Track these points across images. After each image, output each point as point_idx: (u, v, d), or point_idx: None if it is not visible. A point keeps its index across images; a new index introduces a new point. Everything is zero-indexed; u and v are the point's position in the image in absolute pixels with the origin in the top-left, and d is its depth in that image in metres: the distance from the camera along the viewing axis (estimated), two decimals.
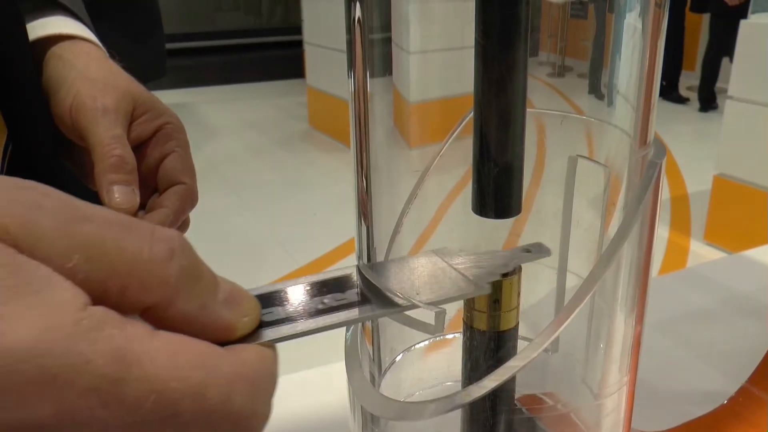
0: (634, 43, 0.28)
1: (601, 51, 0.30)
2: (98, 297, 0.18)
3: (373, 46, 0.29)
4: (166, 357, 0.18)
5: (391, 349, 0.37)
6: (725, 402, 0.50)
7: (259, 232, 3.04)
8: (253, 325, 0.22)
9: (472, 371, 0.30)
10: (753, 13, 2.67)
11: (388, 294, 0.25)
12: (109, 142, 0.44)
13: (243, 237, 2.97)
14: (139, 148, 0.47)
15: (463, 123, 0.33)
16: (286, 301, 0.24)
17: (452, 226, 0.36)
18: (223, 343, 0.20)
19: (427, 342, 0.39)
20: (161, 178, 0.48)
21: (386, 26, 0.29)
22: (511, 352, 0.30)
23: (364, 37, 0.29)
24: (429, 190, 0.35)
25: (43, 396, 0.16)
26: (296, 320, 0.23)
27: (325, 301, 0.24)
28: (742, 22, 2.55)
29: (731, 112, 2.66)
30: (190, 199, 0.47)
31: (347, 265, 0.27)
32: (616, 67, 0.29)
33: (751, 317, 0.65)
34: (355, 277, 0.26)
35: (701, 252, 2.74)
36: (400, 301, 0.25)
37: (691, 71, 5.93)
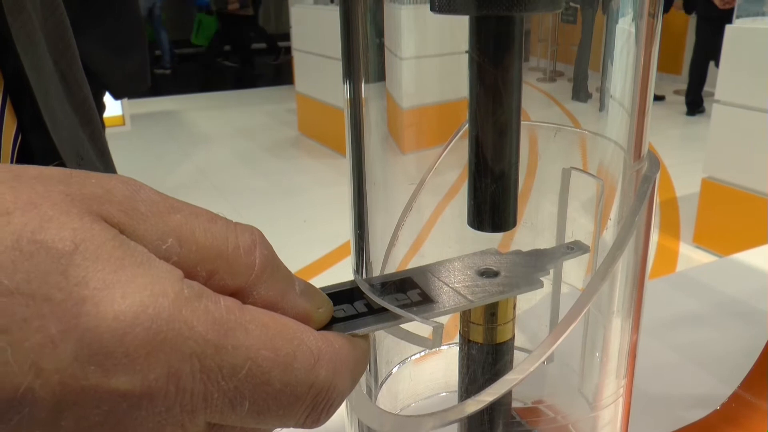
0: (627, 51, 0.29)
1: (590, 56, 0.30)
2: (189, 278, 0.19)
3: (368, 52, 0.29)
4: (258, 328, 0.19)
5: (387, 361, 0.37)
6: (718, 408, 0.50)
7: None
8: (327, 316, 0.23)
9: (470, 384, 0.30)
10: (738, 17, 2.69)
11: (389, 307, 0.25)
12: None
13: None
14: None
15: (457, 135, 0.33)
16: (356, 298, 0.26)
17: (446, 234, 0.36)
18: None
19: (423, 353, 0.39)
20: None
21: (380, 32, 0.29)
22: (508, 365, 0.30)
23: (358, 44, 0.29)
24: (422, 199, 0.36)
25: (152, 359, 0.17)
26: (368, 317, 0.24)
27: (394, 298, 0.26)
28: (728, 27, 2.57)
29: (718, 116, 2.68)
30: None
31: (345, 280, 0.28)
32: (607, 73, 0.30)
33: (742, 321, 0.66)
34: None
35: (691, 255, 2.76)
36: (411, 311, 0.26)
37: (678, 75, 5.97)
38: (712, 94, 2.83)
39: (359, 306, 0.25)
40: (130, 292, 0.17)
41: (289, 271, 0.22)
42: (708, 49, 4.63)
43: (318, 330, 0.22)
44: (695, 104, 5.08)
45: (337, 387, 0.21)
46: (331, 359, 0.21)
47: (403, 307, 0.25)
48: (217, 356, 0.18)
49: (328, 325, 0.23)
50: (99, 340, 0.16)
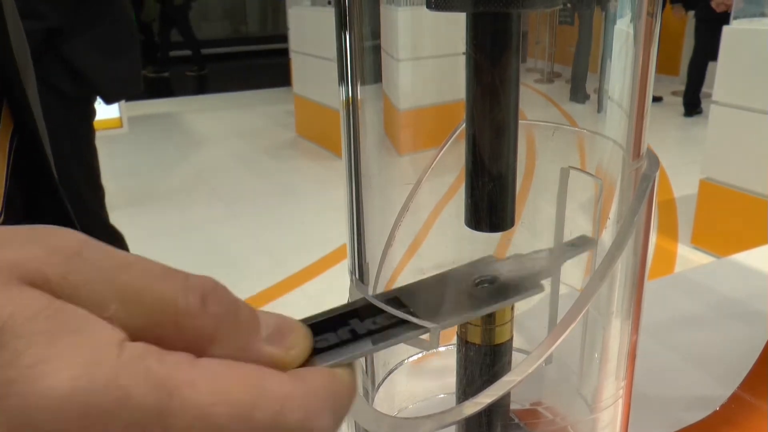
0: (625, 51, 0.28)
1: (588, 57, 0.30)
2: (135, 339, 0.18)
3: (364, 53, 0.29)
4: (208, 382, 0.18)
5: (384, 363, 0.37)
6: (717, 409, 0.50)
7: (246, 240, 3.04)
8: (302, 356, 0.21)
9: (468, 386, 0.30)
10: (735, 19, 2.70)
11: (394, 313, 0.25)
12: None
13: (230, 246, 2.96)
14: None
15: (454, 135, 0.33)
16: (340, 326, 0.24)
17: (444, 235, 0.36)
18: None
19: (420, 355, 0.39)
20: None
21: (376, 34, 0.29)
22: (506, 366, 0.30)
23: (354, 45, 0.29)
24: (419, 199, 0.35)
25: None
26: (353, 345, 0.23)
27: (376, 322, 0.25)
28: (725, 28, 2.57)
29: (716, 117, 2.68)
30: None
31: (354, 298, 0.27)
32: (606, 73, 0.29)
33: (740, 321, 0.66)
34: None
35: (689, 256, 2.76)
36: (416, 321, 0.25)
37: (675, 76, 5.97)
38: (709, 95, 2.83)
39: (343, 333, 0.24)
40: (63, 367, 0.16)
41: (253, 318, 0.20)
42: (707, 51, 4.65)
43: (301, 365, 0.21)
44: (693, 105, 5.09)
45: (314, 428, 0.19)
46: (302, 401, 0.19)
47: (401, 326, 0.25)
48: (162, 420, 0.17)
49: (313, 357, 0.22)
50: (30, 421, 0.16)
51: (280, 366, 0.20)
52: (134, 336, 0.18)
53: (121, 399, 0.16)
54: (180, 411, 0.17)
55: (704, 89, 4.95)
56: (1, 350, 0.16)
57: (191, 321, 0.19)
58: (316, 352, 0.22)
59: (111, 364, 0.17)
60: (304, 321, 0.23)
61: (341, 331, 0.24)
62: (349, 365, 0.22)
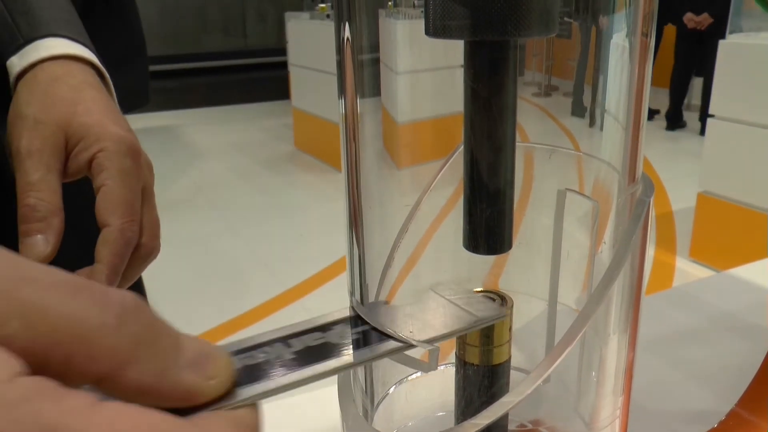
0: (620, 68, 0.29)
1: (584, 72, 0.30)
2: (40, 367, 0.16)
3: (363, 66, 0.29)
4: None
5: (383, 381, 0.37)
6: (716, 426, 0.50)
7: (244, 254, 3.03)
8: (222, 386, 0.20)
9: (466, 406, 0.30)
10: (731, 33, 2.72)
11: (387, 332, 0.25)
12: (22, 189, 0.38)
13: (229, 259, 2.96)
14: None
15: (452, 158, 0.33)
16: (268, 353, 0.23)
17: (442, 254, 0.36)
18: (195, 408, 0.19)
19: (418, 374, 0.39)
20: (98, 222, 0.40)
21: (375, 46, 0.29)
22: (504, 387, 0.30)
23: (354, 58, 0.29)
24: (418, 218, 0.36)
25: None
26: (279, 374, 0.22)
27: (312, 348, 0.24)
28: (722, 42, 2.59)
29: (713, 131, 2.70)
30: (122, 243, 0.38)
31: (339, 308, 0.27)
32: (600, 90, 0.30)
33: (740, 335, 0.66)
34: (345, 320, 0.26)
35: (687, 269, 2.76)
36: (393, 344, 0.25)
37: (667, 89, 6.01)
38: (697, 107, 2.85)
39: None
40: None
41: (175, 341, 0.19)
42: (689, 66, 4.79)
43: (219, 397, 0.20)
44: (675, 119, 5.14)
45: None
46: None
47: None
48: None
49: (234, 390, 0.21)
50: None
51: (195, 396, 0.19)
52: (39, 357, 0.16)
53: None
54: None
55: (693, 101, 5.04)
56: None
57: (104, 340, 0.17)
58: (239, 383, 0.21)
59: None
60: (234, 345, 0.22)
61: (272, 357, 0.23)
62: (253, 405, 0.20)
